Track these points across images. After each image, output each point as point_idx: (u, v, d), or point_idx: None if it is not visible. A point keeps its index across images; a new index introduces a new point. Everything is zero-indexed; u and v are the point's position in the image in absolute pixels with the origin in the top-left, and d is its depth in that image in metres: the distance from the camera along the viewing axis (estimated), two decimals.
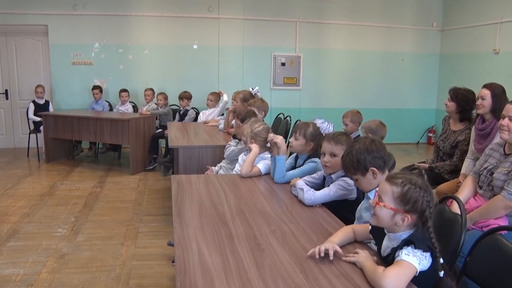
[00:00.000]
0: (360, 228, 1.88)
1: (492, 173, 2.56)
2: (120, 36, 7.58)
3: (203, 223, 2.08)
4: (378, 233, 1.74)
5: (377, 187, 2.03)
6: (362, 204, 2.17)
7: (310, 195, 2.37)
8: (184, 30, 7.73)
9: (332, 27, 8.22)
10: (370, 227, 1.81)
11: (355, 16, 8.25)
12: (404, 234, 1.60)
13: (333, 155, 2.44)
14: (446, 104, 3.62)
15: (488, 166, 2.63)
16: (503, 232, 1.96)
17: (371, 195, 2.03)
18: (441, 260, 1.53)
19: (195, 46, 7.85)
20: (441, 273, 1.53)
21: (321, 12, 8.13)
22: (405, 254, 1.50)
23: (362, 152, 2.01)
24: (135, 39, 7.64)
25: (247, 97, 4.78)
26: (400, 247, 1.55)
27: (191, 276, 1.55)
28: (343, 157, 2.12)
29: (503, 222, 2.43)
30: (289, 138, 3.08)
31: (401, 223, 1.57)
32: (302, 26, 8.11)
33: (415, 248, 1.50)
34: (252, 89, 4.92)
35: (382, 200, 1.61)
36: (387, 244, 1.67)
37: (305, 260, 1.70)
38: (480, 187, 2.66)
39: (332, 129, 2.84)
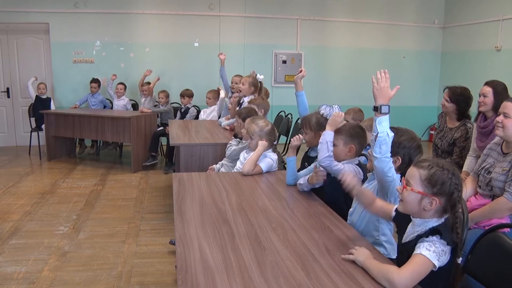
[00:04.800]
0: (384, 205, 1.83)
1: (489, 172, 2.56)
2: (121, 34, 7.58)
3: (204, 221, 2.08)
4: (402, 221, 1.72)
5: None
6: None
7: (331, 160, 2.34)
8: (185, 28, 7.72)
9: (333, 24, 8.21)
10: (393, 214, 1.78)
11: (356, 14, 8.23)
12: (431, 222, 1.58)
13: (333, 144, 2.44)
14: (444, 105, 3.60)
15: (486, 166, 2.63)
16: (505, 230, 1.96)
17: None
18: (459, 260, 1.53)
19: (196, 44, 7.84)
20: (460, 260, 1.52)
21: (322, 9, 8.11)
22: (426, 248, 1.48)
23: (409, 143, 2.03)
24: (136, 37, 7.64)
25: (256, 83, 4.76)
26: (426, 235, 1.53)
27: (192, 274, 1.55)
28: (393, 128, 2.09)
29: (506, 221, 2.43)
30: (291, 137, 3.06)
31: (429, 207, 1.55)
32: (303, 24, 8.09)
33: (441, 238, 1.49)
34: (258, 76, 4.86)
35: (410, 184, 1.59)
36: (411, 231, 1.64)
37: (306, 257, 1.70)
38: (480, 187, 2.66)
39: (338, 111, 2.82)
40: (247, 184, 2.77)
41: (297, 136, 2.82)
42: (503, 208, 2.40)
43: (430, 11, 8.52)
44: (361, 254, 1.63)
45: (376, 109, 1.96)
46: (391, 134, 1.92)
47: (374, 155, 1.94)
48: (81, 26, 7.42)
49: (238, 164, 3.33)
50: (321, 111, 2.82)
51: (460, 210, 1.55)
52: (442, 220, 1.58)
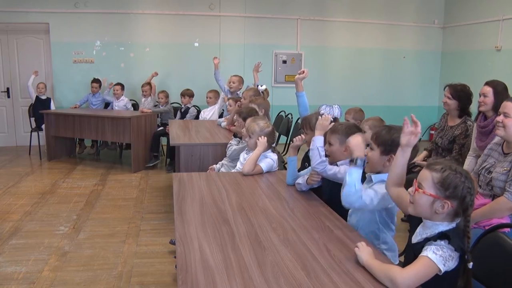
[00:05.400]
0: (405, 194, 1.78)
1: (490, 172, 2.56)
2: (121, 34, 7.57)
3: (204, 221, 2.08)
4: (415, 218, 1.71)
5: (378, 172, 2.06)
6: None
7: (324, 165, 2.35)
8: (185, 28, 7.72)
9: (333, 24, 8.20)
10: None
11: (357, 13, 8.23)
12: (442, 226, 1.56)
13: (329, 143, 2.44)
14: (446, 102, 3.60)
15: (486, 165, 2.63)
16: (505, 230, 1.96)
17: (374, 178, 2.05)
18: (470, 265, 1.51)
19: (196, 44, 7.84)
20: (470, 265, 1.50)
21: (323, 9, 8.12)
22: (433, 252, 1.47)
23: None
24: (137, 37, 7.64)
25: (257, 95, 4.77)
26: (434, 239, 1.52)
27: (192, 274, 1.55)
28: (386, 126, 2.11)
29: (506, 221, 2.43)
30: (294, 137, 3.05)
31: (441, 210, 1.53)
32: (303, 24, 8.09)
33: (449, 243, 1.48)
34: (260, 87, 4.90)
35: (422, 187, 1.57)
36: (420, 232, 1.64)
37: (306, 257, 1.70)
38: (480, 186, 2.66)
39: (338, 111, 2.82)
40: (247, 184, 2.77)
41: (299, 136, 2.81)
42: (503, 208, 2.40)
43: (430, 11, 8.52)
44: (365, 252, 1.63)
45: (352, 161, 2.00)
46: (358, 187, 1.95)
47: (346, 205, 2.01)
48: (81, 26, 7.41)
49: (238, 165, 3.33)
50: (321, 111, 2.82)
51: (470, 214, 1.54)
52: (453, 224, 1.56)
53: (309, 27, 8.12)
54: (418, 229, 1.66)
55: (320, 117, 2.63)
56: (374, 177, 2.06)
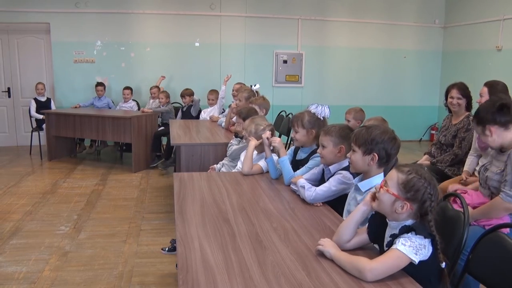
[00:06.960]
0: (357, 233, 1.80)
1: (486, 170, 2.57)
2: (122, 34, 7.58)
3: (205, 220, 2.08)
4: (375, 232, 1.74)
5: (364, 178, 2.06)
6: (350, 195, 2.18)
7: (312, 191, 2.35)
8: (186, 28, 7.73)
9: (334, 24, 8.21)
10: (367, 228, 1.79)
11: (357, 13, 8.23)
12: (407, 223, 1.61)
13: (323, 146, 2.44)
14: (457, 103, 3.59)
15: (485, 163, 2.64)
16: (505, 231, 1.96)
17: (362, 186, 2.05)
18: (443, 265, 1.53)
19: (197, 44, 7.85)
20: (443, 265, 1.53)
21: (323, 9, 8.12)
22: (402, 243, 1.51)
23: (381, 137, 2.00)
24: (137, 37, 7.65)
25: (251, 95, 4.77)
26: (400, 233, 1.56)
27: (193, 273, 1.55)
28: (364, 126, 2.12)
29: (506, 220, 2.43)
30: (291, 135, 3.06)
31: (400, 210, 1.59)
32: (304, 24, 8.09)
33: (416, 234, 1.52)
34: (253, 86, 4.92)
35: (387, 185, 1.63)
36: (388, 234, 1.67)
37: (307, 257, 1.70)
38: (481, 184, 2.67)
39: (328, 110, 2.82)
40: (248, 184, 2.77)
41: (273, 138, 2.87)
42: (499, 208, 2.41)
43: (431, 11, 8.52)
44: (330, 246, 1.67)
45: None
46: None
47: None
48: (82, 26, 7.42)
49: (239, 164, 3.33)
50: (312, 110, 2.82)
51: (431, 220, 1.57)
52: (415, 221, 1.61)
53: (310, 27, 8.12)
54: (386, 234, 1.69)
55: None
56: (362, 185, 2.06)
